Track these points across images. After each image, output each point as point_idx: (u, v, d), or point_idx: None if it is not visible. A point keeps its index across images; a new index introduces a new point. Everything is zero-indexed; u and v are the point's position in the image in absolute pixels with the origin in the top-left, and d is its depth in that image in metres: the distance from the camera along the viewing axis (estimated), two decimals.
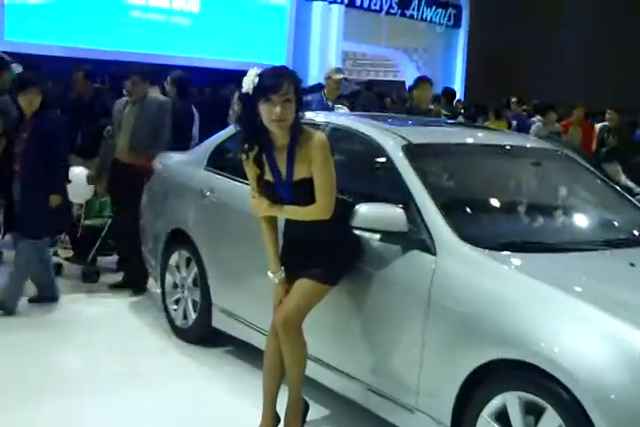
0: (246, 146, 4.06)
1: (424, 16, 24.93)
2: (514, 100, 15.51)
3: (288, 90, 3.86)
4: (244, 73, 3.97)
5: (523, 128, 12.55)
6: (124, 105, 7.19)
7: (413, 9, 24.42)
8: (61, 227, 6.84)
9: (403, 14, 24.16)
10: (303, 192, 4.00)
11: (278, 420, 4.29)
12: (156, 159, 6.65)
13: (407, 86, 24.49)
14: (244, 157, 4.11)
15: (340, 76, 8.70)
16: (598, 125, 12.81)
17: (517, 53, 24.66)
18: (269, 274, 4.20)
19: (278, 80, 3.87)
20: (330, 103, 8.55)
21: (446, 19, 25.80)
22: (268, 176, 4.08)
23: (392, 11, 23.72)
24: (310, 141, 3.97)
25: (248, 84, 3.90)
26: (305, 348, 4.16)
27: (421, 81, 9.11)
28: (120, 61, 14.44)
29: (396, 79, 26.70)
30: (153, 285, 6.53)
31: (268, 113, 3.87)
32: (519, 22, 24.97)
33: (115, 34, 17.42)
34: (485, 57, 25.87)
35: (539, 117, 12.69)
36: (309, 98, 8.22)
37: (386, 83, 25.21)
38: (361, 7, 22.74)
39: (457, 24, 26.41)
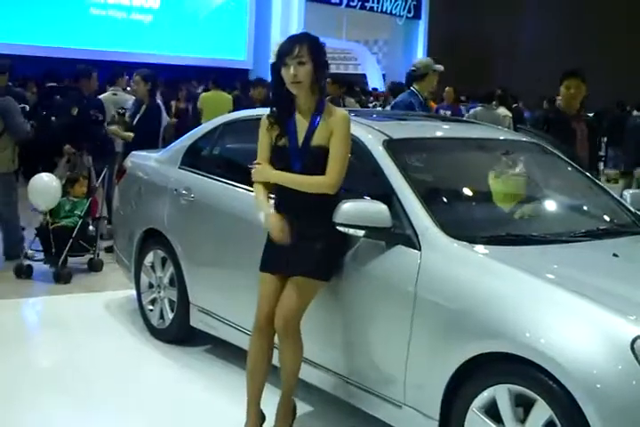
0: (274, 110, 4.18)
1: (384, 8, 25.01)
2: (447, 89, 15.86)
3: (300, 52, 3.99)
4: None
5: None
6: None
7: (373, 1, 24.49)
8: None
9: (363, 7, 24.23)
10: (316, 160, 4.03)
11: (264, 418, 4.28)
12: (127, 158, 6.60)
13: (367, 79, 24.72)
14: (269, 120, 4.17)
15: (442, 69, 7.31)
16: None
17: (478, 43, 24.79)
18: (261, 215, 4.15)
19: (291, 44, 4.03)
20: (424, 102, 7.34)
21: (406, 10, 25.89)
22: (284, 141, 4.12)
23: (352, 3, 23.78)
24: (336, 114, 4.09)
25: (272, 54, 4.13)
26: (302, 347, 4.18)
27: (568, 76, 6.65)
28: (80, 59, 14.36)
29: (356, 72, 26.75)
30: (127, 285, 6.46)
31: (286, 76, 4.02)
32: (479, 12, 25.12)
33: (74, 31, 17.25)
34: (446, 48, 25.96)
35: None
36: (405, 100, 7.24)
37: (346, 76, 25.24)
38: (321, 1, 22.72)
39: (417, 15, 26.51)
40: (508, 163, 4.81)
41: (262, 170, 4.17)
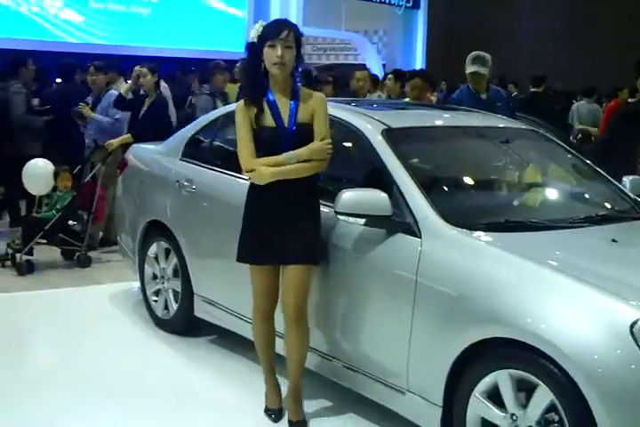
0: (248, 91, 4.21)
1: None
2: (415, 80, 15.91)
3: (288, 36, 4.06)
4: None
5: None
6: None
7: None
8: None
9: None
10: (305, 136, 4.10)
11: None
12: (128, 151, 6.64)
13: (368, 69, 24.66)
14: (245, 103, 4.15)
15: (472, 70, 7.09)
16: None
17: (478, 33, 24.67)
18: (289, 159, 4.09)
19: (280, 27, 4.10)
20: (483, 96, 7.16)
21: (405, 0, 25.75)
22: (269, 122, 4.13)
23: None
24: (312, 95, 4.22)
25: (254, 34, 4.14)
26: (309, 334, 4.27)
27: None
28: (78, 53, 14.34)
29: (356, 62, 26.70)
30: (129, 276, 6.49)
31: (270, 56, 4.06)
32: (478, 1, 25.00)
33: (73, 24, 17.23)
34: (445, 37, 25.90)
35: None
36: (455, 96, 7.32)
37: (347, 66, 25.21)
38: None
39: (416, 5, 26.34)
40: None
41: (261, 173, 4.11)
